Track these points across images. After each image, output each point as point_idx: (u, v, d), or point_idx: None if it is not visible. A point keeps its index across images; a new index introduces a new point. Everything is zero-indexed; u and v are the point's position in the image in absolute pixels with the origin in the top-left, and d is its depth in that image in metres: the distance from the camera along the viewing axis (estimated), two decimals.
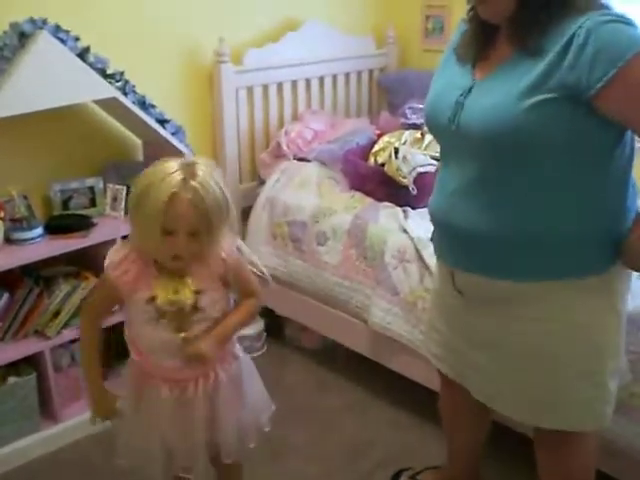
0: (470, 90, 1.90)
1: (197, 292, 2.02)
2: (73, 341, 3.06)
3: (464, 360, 2.17)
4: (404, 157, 3.14)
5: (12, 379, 2.95)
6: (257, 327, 3.73)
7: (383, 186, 3.21)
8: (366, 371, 3.39)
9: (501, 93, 1.80)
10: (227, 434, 2.18)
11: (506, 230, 1.87)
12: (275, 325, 3.83)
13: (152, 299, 2.00)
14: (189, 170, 1.89)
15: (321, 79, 3.99)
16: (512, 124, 1.76)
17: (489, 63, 1.90)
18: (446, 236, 2.06)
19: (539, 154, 1.80)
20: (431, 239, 2.20)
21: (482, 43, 1.93)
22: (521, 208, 1.85)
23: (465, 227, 1.94)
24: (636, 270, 1.95)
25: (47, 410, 3.08)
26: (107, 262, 2.03)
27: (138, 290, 2.02)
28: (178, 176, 1.86)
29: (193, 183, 1.86)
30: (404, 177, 3.11)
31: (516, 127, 1.76)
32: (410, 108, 3.62)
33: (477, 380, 2.15)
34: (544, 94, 1.73)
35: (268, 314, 3.77)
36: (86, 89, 2.86)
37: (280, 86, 3.81)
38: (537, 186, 1.83)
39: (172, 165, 1.90)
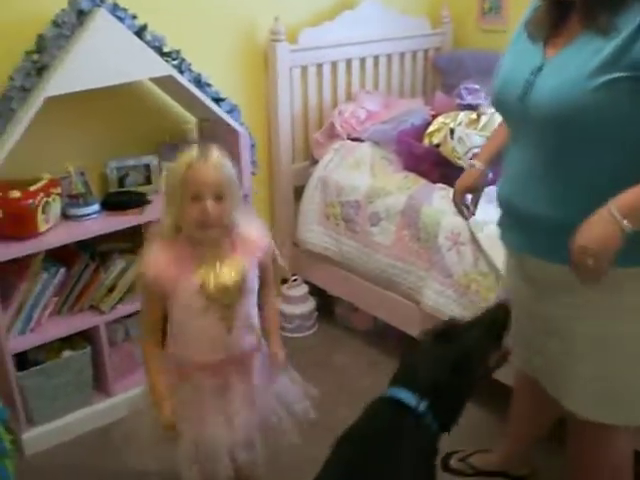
0: (541, 68, 1.85)
1: (241, 275, 2.11)
2: (127, 316, 3.11)
3: (532, 348, 2.13)
4: (460, 138, 3.10)
5: (67, 353, 3.01)
6: (308, 306, 3.74)
7: (438, 167, 3.18)
8: None
9: (571, 72, 1.76)
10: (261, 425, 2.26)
11: (572, 214, 1.79)
12: (326, 305, 3.83)
13: (201, 287, 2.06)
14: (204, 147, 2.07)
15: (376, 59, 3.95)
16: (580, 103, 1.72)
17: (561, 41, 1.85)
18: (512, 220, 2.03)
19: (606, 136, 1.75)
20: (498, 224, 2.16)
21: (554, 20, 1.88)
22: (587, 192, 1.80)
23: (531, 211, 1.90)
24: None
25: (100, 384, 3.14)
26: (141, 266, 2.11)
27: (182, 282, 2.07)
28: (194, 151, 2.05)
29: (209, 154, 2.04)
30: (460, 158, 3.07)
31: (584, 106, 1.72)
32: (466, 89, 3.57)
33: (545, 369, 2.12)
34: (614, 73, 1.69)
35: (319, 294, 3.78)
36: (143, 67, 2.88)
37: (334, 65, 3.78)
38: (604, 170, 1.79)
39: (189, 150, 2.08)
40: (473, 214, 2.46)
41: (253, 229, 2.18)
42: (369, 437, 1.91)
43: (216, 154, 2.06)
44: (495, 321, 2.08)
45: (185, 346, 2.18)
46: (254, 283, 2.17)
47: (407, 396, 1.90)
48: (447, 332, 2.03)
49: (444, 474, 2.72)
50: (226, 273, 2.08)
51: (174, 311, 2.14)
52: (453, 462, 2.75)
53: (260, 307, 2.27)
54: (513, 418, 2.56)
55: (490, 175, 2.36)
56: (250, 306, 2.19)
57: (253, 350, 2.25)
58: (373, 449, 1.87)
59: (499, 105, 2.04)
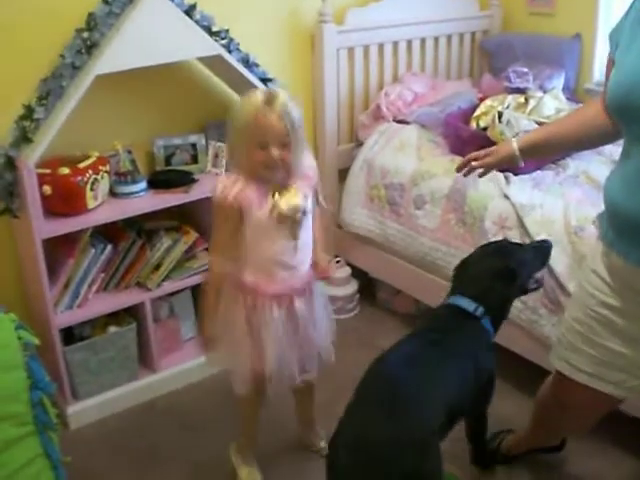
0: None
1: (303, 198, 2.30)
2: (172, 294, 3.13)
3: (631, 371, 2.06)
4: (508, 121, 3.06)
5: (113, 328, 3.05)
6: (350, 288, 3.74)
7: None
8: None
9: None
10: (323, 342, 2.54)
11: None
12: (368, 287, 3.83)
13: (273, 208, 2.24)
14: (270, 92, 2.21)
15: (422, 41, 3.92)
16: None
17: None
18: None
19: None
20: (607, 241, 2.00)
21: None
22: None
23: None
24: None
25: (145, 360, 3.17)
26: (218, 191, 2.24)
27: (255, 203, 2.24)
28: (261, 96, 2.18)
29: (275, 101, 2.15)
30: None
31: None
32: (514, 72, 3.53)
33: None
34: None
35: (362, 276, 3.78)
36: (192, 46, 2.90)
37: (381, 47, 3.76)
38: None
39: (256, 92, 2.24)
40: (475, 175, 2.38)
41: (307, 163, 2.36)
42: (436, 333, 2.24)
43: (282, 99, 2.17)
44: (540, 250, 2.40)
45: (257, 270, 2.35)
46: (310, 207, 2.36)
47: (466, 302, 2.25)
48: (498, 249, 2.39)
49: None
50: (292, 197, 2.26)
51: (247, 233, 2.30)
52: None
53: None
54: (545, 418, 2.48)
55: (521, 164, 2.23)
56: (309, 228, 2.38)
57: (312, 278, 2.46)
58: (440, 344, 2.18)
59: (624, 109, 1.83)
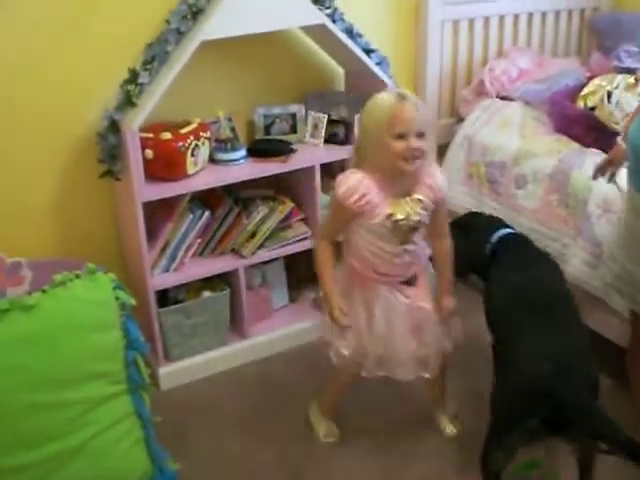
0: None
1: (423, 209, 2.33)
2: (266, 262, 3.15)
3: None
4: (618, 102, 2.96)
5: (207, 293, 3.08)
6: None
7: (591, 131, 3.05)
8: None
9: None
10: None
11: None
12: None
13: (390, 216, 2.29)
14: (400, 91, 2.30)
15: (530, 15, 3.81)
16: None
17: None
18: None
19: None
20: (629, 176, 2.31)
21: None
22: None
23: None
24: None
25: (236, 326, 3.20)
26: (342, 189, 2.28)
27: (375, 211, 2.29)
28: (392, 94, 2.26)
29: (407, 97, 2.23)
30: (616, 123, 2.94)
31: None
32: (625, 51, 3.40)
33: None
34: None
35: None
36: (296, 15, 2.88)
37: (487, 21, 3.68)
38: None
39: (384, 93, 2.30)
40: (609, 182, 2.59)
41: (435, 171, 2.37)
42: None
43: (412, 97, 2.25)
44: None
45: (365, 262, 2.42)
46: (427, 219, 2.38)
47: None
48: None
49: None
50: (412, 206, 2.31)
51: (360, 231, 2.37)
52: None
53: (433, 243, 2.52)
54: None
55: None
56: (420, 236, 2.44)
57: (420, 272, 2.52)
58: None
59: None
